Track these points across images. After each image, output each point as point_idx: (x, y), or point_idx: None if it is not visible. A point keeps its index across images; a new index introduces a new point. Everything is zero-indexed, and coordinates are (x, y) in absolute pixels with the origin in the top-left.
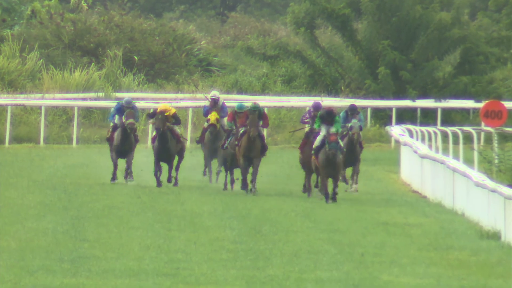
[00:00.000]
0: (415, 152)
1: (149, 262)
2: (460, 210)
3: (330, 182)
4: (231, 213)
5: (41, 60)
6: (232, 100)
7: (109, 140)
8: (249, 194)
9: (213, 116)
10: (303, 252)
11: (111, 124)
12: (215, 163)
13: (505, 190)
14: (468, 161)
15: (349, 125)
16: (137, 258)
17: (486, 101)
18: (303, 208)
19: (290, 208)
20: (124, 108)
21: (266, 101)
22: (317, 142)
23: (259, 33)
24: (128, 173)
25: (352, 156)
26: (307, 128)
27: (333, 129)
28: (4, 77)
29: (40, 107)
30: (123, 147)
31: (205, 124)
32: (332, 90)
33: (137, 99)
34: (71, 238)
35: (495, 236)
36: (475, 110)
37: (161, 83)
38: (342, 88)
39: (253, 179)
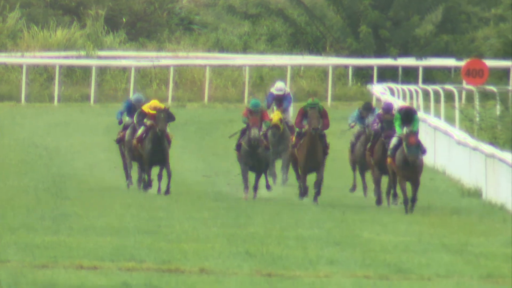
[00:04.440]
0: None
1: (131, 220)
2: (441, 168)
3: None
4: (212, 171)
5: (23, 19)
6: (213, 59)
7: (120, 141)
8: (314, 203)
9: (276, 116)
10: (285, 210)
11: (118, 120)
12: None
13: (486, 148)
14: (450, 119)
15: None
16: (119, 216)
17: (468, 60)
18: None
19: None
20: (135, 107)
21: (247, 60)
22: (393, 142)
23: None
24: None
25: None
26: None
27: (412, 128)
28: None
29: (21, 66)
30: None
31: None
32: (314, 48)
33: (119, 57)
34: (53, 196)
35: (476, 194)
36: (457, 69)
37: (143, 41)
38: (327, 48)
39: (317, 191)
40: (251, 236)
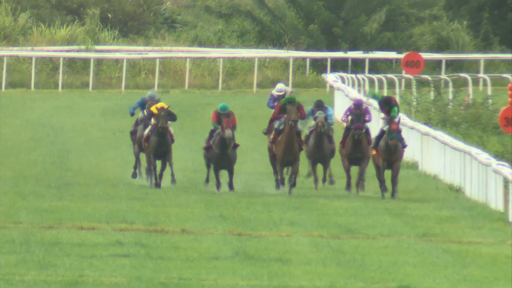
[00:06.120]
0: (347, 95)
1: (123, 188)
2: None
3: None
4: (192, 147)
5: (32, 18)
6: (193, 52)
7: (133, 133)
8: (289, 194)
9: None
10: (253, 180)
11: (130, 113)
12: None
13: (422, 127)
14: None
15: (316, 115)
16: (113, 185)
17: (407, 53)
18: (252, 143)
19: (243, 142)
20: (148, 104)
21: (222, 53)
22: (376, 134)
23: None
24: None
25: (321, 152)
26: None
27: (393, 114)
28: (0, 32)
29: (31, 58)
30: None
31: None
32: (277, 43)
33: (113, 51)
34: (58, 168)
35: (413, 166)
36: (397, 60)
37: (133, 37)
38: (287, 41)
39: (293, 183)
40: (225, 202)
